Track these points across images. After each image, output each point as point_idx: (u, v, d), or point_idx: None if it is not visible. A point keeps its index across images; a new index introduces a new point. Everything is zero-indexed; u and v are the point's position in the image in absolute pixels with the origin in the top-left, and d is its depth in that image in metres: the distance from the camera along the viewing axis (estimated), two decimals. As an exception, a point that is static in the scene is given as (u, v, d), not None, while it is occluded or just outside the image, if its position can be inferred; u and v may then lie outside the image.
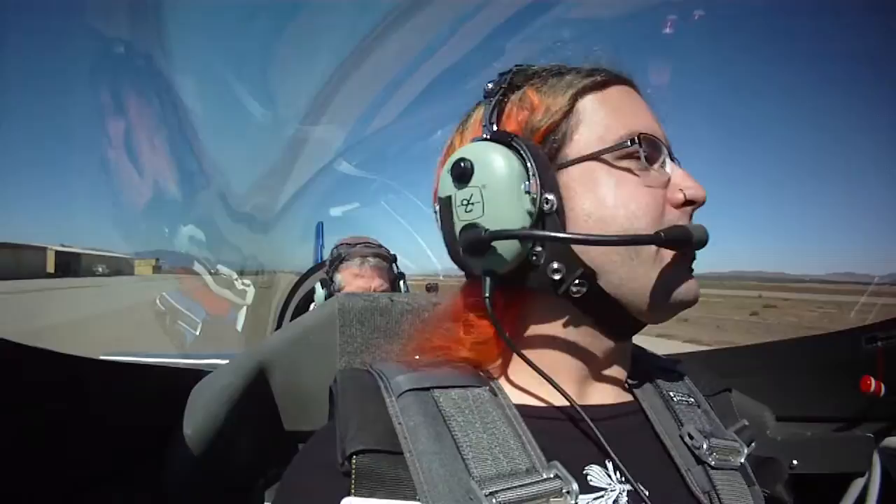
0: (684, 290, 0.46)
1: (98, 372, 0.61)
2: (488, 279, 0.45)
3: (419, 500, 0.37)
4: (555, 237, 0.42)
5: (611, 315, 0.46)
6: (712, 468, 0.46)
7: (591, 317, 0.46)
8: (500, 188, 0.42)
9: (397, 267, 1.57)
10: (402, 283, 1.55)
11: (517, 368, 0.48)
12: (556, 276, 0.43)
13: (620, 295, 0.44)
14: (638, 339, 0.54)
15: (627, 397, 0.51)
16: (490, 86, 0.50)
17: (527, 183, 0.42)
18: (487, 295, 0.44)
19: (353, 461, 0.39)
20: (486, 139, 0.45)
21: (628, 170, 0.45)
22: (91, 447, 0.56)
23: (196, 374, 0.71)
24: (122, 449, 0.61)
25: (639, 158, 0.44)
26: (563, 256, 0.43)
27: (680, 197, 0.46)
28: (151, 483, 0.60)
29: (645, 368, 0.54)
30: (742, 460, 0.48)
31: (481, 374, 0.48)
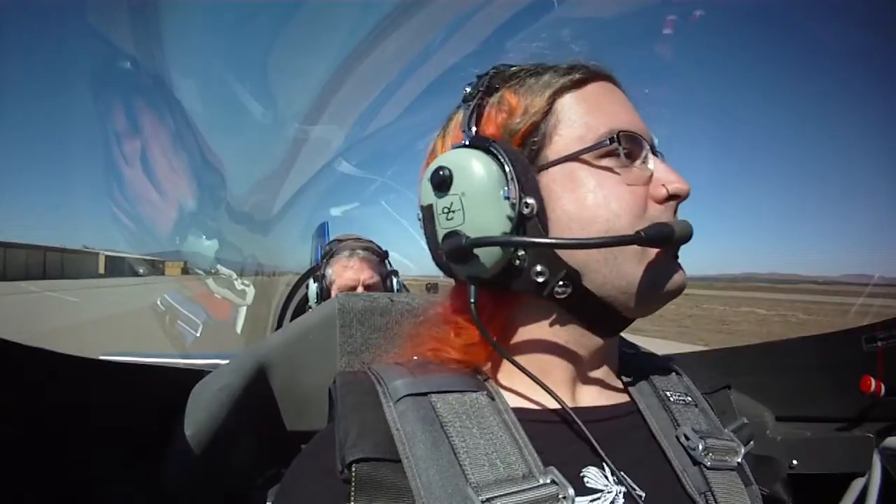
0: (670, 283, 0.45)
1: (98, 372, 0.61)
2: (472, 286, 0.45)
3: None
4: (533, 242, 0.43)
5: (597, 313, 0.46)
6: (708, 469, 0.46)
7: (577, 316, 0.46)
8: (479, 195, 0.43)
9: (390, 264, 1.58)
10: (394, 280, 1.55)
11: (512, 371, 0.48)
12: (540, 279, 0.44)
13: (605, 293, 0.45)
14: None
15: (624, 398, 0.51)
16: (468, 89, 0.49)
17: (506, 188, 0.43)
18: (473, 301, 0.45)
19: (353, 469, 0.39)
20: (464, 145, 0.45)
21: (609, 168, 0.45)
22: (91, 447, 0.56)
23: (196, 374, 0.71)
24: (122, 449, 0.61)
25: (619, 156, 0.44)
26: (546, 259, 0.44)
27: (662, 192, 0.45)
28: (151, 483, 0.60)
29: (642, 368, 0.54)
30: (739, 460, 0.48)
31: (478, 377, 0.48)
